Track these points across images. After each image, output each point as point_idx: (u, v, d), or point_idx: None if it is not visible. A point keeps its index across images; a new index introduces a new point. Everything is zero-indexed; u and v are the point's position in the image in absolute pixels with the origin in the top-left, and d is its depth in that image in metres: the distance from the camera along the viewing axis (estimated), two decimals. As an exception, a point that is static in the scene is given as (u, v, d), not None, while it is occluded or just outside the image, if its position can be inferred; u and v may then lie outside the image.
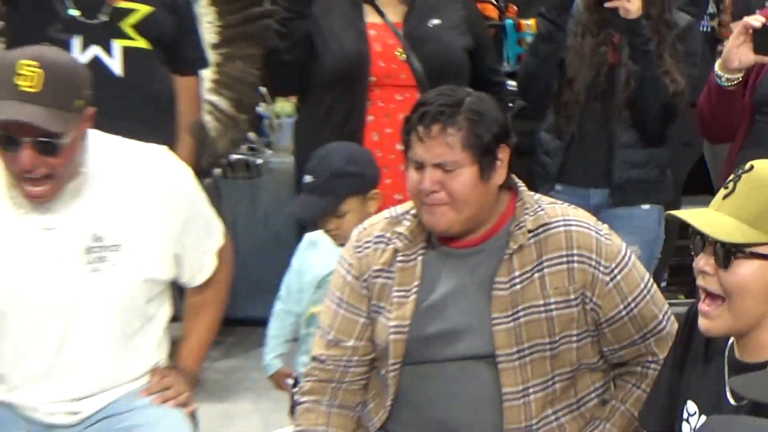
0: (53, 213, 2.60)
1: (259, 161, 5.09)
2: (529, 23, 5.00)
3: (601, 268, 2.47)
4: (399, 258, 2.59)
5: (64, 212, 2.62)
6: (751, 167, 1.91)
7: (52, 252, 2.61)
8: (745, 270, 1.87)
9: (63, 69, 2.52)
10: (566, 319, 2.49)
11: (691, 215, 1.96)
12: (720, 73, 3.24)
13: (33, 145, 2.41)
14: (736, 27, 3.28)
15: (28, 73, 2.41)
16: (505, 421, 2.47)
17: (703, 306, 1.94)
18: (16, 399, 2.66)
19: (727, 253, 1.87)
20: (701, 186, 4.54)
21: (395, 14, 3.67)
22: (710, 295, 1.93)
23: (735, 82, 3.22)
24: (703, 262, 1.92)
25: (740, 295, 1.89)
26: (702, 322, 1.98)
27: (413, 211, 2.58)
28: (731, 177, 1.95)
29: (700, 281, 1.96)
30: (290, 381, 3.31)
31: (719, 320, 1.93)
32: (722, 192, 1.94)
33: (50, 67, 2.45)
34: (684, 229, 3.82)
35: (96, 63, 3.45)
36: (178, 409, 2.74)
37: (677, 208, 3.92)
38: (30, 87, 2.40)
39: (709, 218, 1.94)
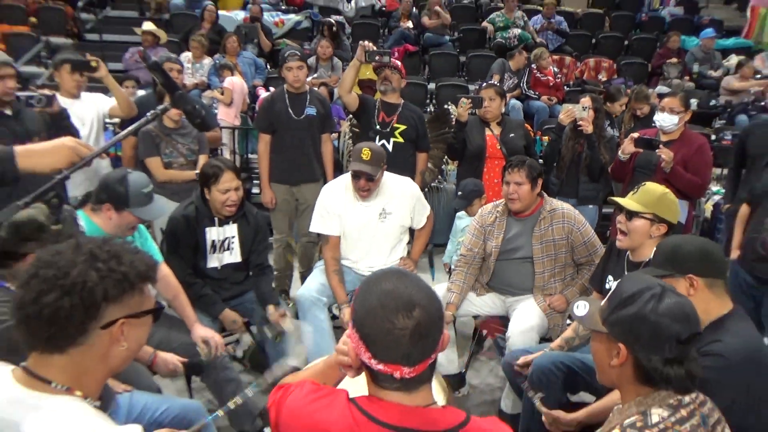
0: (368, 201, 3.05)
1: (441, 186, 5.20)
2: (545, 139, 5.14)
3: (575, 225, 2.85)
4: (497, 220, 2.97)
5: (373, 200, 3.06)
6: (644, 184, 2.32)
7: (367, 215, 3.08)
8: (637, 223, 2.23)
9: (378, 152, 2.94)
10: (561, 245, 2.85)
11: (619, 200, 2.34)
12: (621, 155, 3.50)
13: (365, 178, 2.94)
14: (629, 137, 3.46)
15: (366, 152, 2.88)
16: (534, 284, 2.89)
17: (619, 237, 2.31)
18: (353, 265, 3.16)
19: (630, 215, 2.24)
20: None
21: (497, 130, 3.89)
22: (622, 232, 2.29)
23: (626, 158, 3.48)
24: (620, 218, 2.28)
25: (633, 233, 2.24)
26: (618, 243, 2.34)
27: (503, 203, 2.97)
28: (635, 187, 2.31)
29: (618, 225, 2.29)
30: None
31: (625, 243, 2.29)
32: (631, 192, 2.31)
33: (373, 150, 2.91)
34: (603, 218, 4.17)
35: (383, 147, 3.56)
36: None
37: (602, 208, 4.06)
38: (366, 157, 2.88)
39: (626, 201, 2.28)
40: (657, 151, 3.29)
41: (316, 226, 3.11)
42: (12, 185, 1.42)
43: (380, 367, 1.07)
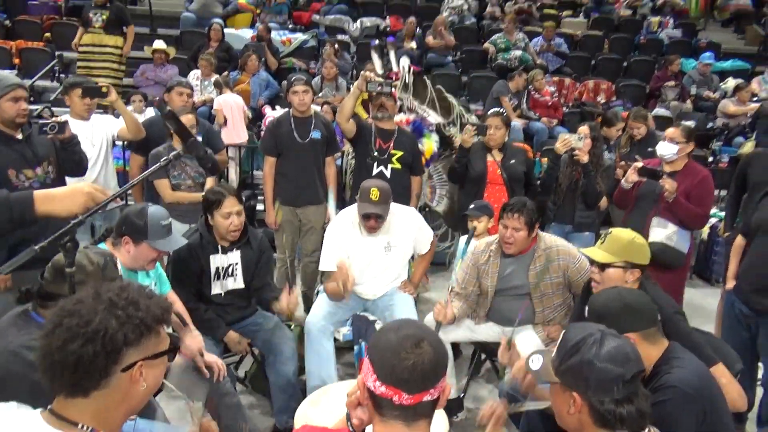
0: (374, 235, 3.03)
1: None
2: (544, 160, 5.18)
3: (571, 262, 2.81)
4: (491, 259, 2.92)
5: (378, 234, 3.05)
6: (611, 231, 2.27)
7: (373, 249, 3.07)
8: (610, 272, 2.20)
9: (385, 189, 2.92)
10: (557, 283, 2.83)
11: (588, 251, 2.31)
12: (624, 183, 3.46)
13: (374, 219, 2.92)
14: (633, 167, 3.42)
15: (375, 192, 2.86)
16: (534, 321, 2.88)
17: (593, 285, 2.27)
18: (355, 290, 3.10)
19: (601, 267, 2.22)
20: (609, 224, 4.43)
21: (498, 156, 3.86)
22: (596, 282, 2.26)
23: (629, 186, 3.44)
24: (593, 268, 2.27)
25: (608, 282, 2.18)
26: (593, 288, 2.27)
27: (496, 240, 2.93)
28: (602, 235, 2.28)
29: (591, 275, 2.31)
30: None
31: (598, 288, 2.22)
32: (600, 240, 2.28)
33: (381, 189, 2.89)
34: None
35: (381, 174, 3.74)
36: (410, 296, 3.16)
37: (599, 235, 3.97)
38: (375, 197, 2.86)
39: (595, 253, 2.24)
40: (660, 181, 3.26)
41: (326, 264, 3.05)
42: (28, 227, 1.46)
43: (382, 389, 1.13)
